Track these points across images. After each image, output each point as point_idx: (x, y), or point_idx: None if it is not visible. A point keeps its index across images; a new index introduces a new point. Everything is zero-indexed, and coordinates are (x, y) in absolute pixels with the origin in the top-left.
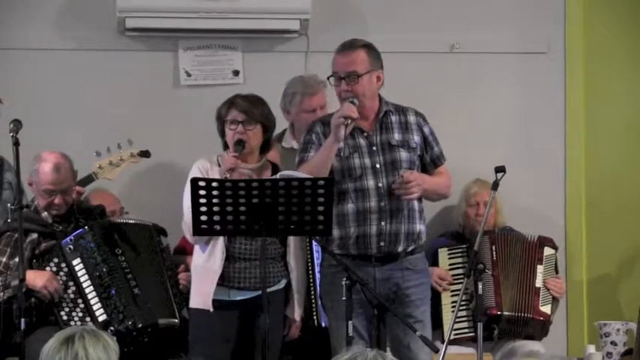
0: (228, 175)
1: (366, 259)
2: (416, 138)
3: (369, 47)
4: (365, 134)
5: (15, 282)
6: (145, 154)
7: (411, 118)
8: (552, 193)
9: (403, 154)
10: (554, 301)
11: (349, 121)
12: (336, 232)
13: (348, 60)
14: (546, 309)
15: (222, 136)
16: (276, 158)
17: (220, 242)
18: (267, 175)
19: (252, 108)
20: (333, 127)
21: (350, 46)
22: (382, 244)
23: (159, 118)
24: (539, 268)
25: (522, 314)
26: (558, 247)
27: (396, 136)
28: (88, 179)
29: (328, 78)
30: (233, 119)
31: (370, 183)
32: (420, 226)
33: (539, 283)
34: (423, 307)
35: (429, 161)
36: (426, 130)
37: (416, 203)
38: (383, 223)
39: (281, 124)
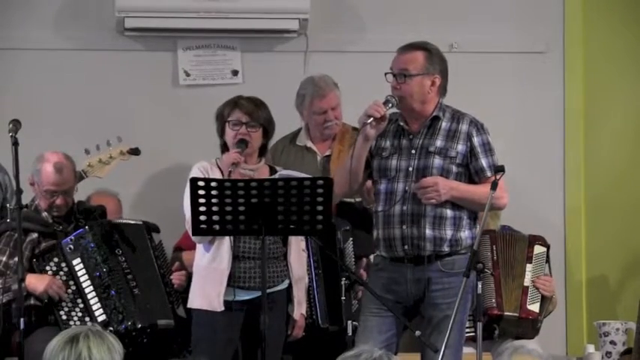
0: (231, 170)
1: (399, 260)
2: (459, 147)
3: (430, 52)
4: (410, 136)
5: (15, 285)
6: (134, 151)
7: (463, 127)
8: (551, 192)
9: (437, 161)
10: (545, 299)
11: (371, 119)
12: (373, 234)
13: (402, 58)
14: (534, 307)
15: (220, 136)
16: (268, 160)
17: (226, 242)
18: (264, 176)
19: (256, 110)
20: (359, 125)
21: (410, 46)
22: (406, 247)
23: (158, 118)
24: (528, 267)
25: (510, 313)
26: (550, 245)
27: (438, 143)
28: (78, 177)
29: (386, 74)
30: (237, 120)
31: (399, 186)
32: (452, 232)
33: (527, 281)
34: (448, 311)
35: (474, 172)
36: (475, 140)
37: (448, 210)
38: (404, 227)
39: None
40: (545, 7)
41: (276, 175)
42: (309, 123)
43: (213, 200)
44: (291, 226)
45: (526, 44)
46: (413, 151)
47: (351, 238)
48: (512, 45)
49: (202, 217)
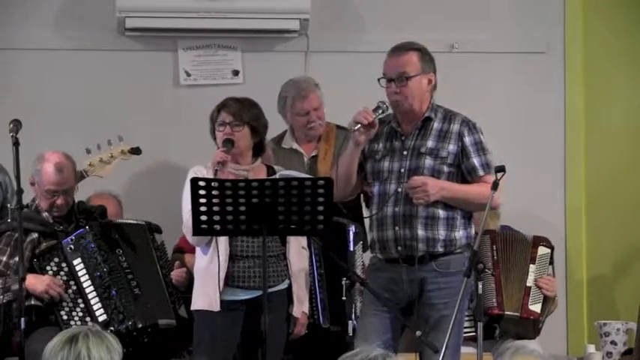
0: (218, 169)
1: (395, 262)
2: (450, 147)
3: (421, 50)
4: (402, 138)
5: (15, 286)
6: (135, 151)
7: (455, 127)
8: (552, 192)
9: (427, 162)
10: (548, 300)
11: (358, 126)
12: (368, 236)
13: (398, 62)
14: (536, 308)
15: (214, 139)
16: (268, 159)
17: (223, 242)
18: (261, 176)
19: (241, 110)
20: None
21: (401, 48)
22: (399, 248)
23: (158, 118)
24: (532, 268)
25: (511, 313)
26: (554, 247)
27: (429, 144)
28: (78, 177)
29: (379, 80)
30: (222, 121)
31: (392, 187)
32: (445, 233)
33: (530, 282)
34: (444, 311)
35: (466, 172)
36: (467, 140)
37: (440, 211)
38: (397, 228)
39: (281, 125)
40: (545, 7)
41: (277, 175)
42: (293, 125)
43: (214, 200)
44: (292, 226)
45: (526, 44)
46: (405, 152)
47: (361, 242)
48: (512, 45)
49: (203, 217)
